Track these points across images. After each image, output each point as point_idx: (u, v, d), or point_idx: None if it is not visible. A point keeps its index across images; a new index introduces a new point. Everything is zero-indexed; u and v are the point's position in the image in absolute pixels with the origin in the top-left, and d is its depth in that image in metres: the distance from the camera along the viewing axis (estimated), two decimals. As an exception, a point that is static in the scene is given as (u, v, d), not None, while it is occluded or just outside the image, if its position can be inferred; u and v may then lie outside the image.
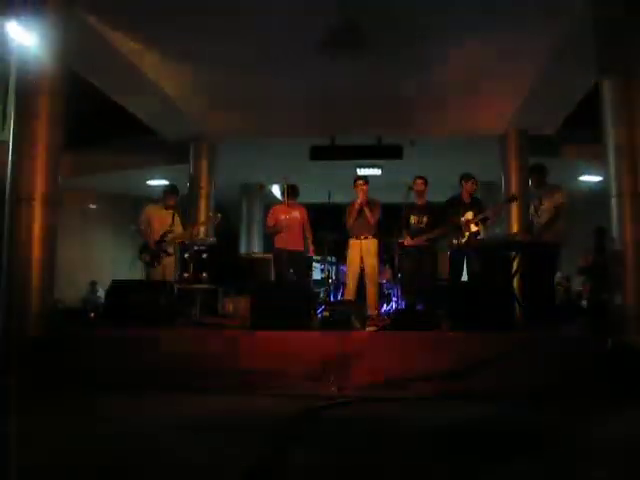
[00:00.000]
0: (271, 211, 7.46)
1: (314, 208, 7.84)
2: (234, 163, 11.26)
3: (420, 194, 6.89)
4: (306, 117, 9.25)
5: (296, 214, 7.27)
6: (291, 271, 7.18)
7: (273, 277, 7.45)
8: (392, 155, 10.07)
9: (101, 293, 11.88)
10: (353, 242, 6.90)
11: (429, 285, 6.72)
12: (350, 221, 6.86)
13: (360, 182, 6.93)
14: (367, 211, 6.78)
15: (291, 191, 7.26)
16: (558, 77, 7.50)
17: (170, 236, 6.76)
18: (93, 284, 12.25)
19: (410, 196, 6.89)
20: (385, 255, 8.77)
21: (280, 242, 7.21)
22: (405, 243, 6.68)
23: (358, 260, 6.85)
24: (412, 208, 6.88)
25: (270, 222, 7.34)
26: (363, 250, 6.83)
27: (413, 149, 9.97)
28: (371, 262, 6.86)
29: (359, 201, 6.81)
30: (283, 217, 7.23)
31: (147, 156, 11.22)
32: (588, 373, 4.62)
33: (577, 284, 10.13)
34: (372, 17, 6.33)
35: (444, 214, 6.79)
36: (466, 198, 6.85)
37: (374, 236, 6.88)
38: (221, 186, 11.15)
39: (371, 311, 6.60)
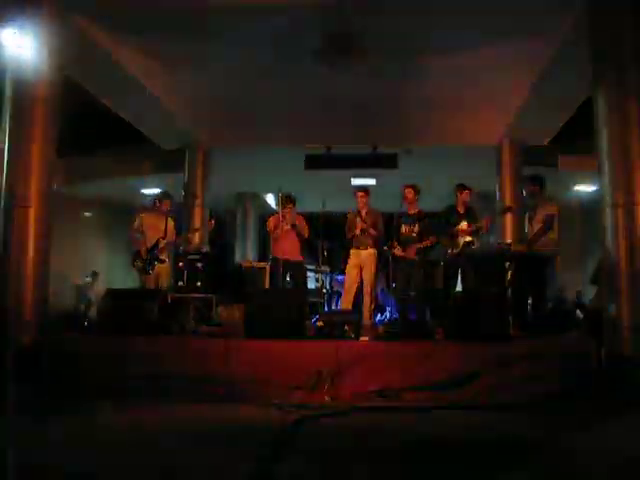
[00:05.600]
0: (270, 218, 7.42)
1: (308, 217, 7.80)
2: (229, 172, 11.25)
3: (410, 203, 6.86)
4: (302, 126, 9.26)
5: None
6: (288, 280, 7.14)
7: (268, 286, 7.39)
8: (387, 164, 10.05)
9: (100, 286, 11.69)
10: (353, 252, 6.91)
11: (422, 295, 6.70)
12: (353, 232, 6.85)
13: (360, 194, 6.93)
14: (369, 223, 6.77)
15: (287, 200, 7.22)
16: (553, 89, 7.54)
17: (162, 242, 6.75)
18: (94, 274, 12.08)
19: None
20: (379, 264, 8.77)
21: (277, 251, 7.17)
22: (396, 253, 6.65)
23: (357, 269, 6.85)
24: (403, 217, 6.87)
25: (270, 226, 7.30)
26: (362, 260, 6.83)
27: (408, 158, 9.97)
28: (369, 272, 6.84)
29: (363, 214, 6.79)
30: (279, 225, 7.18)
31: (142, 164, 11.22)
32: (584, 382, 4.63)
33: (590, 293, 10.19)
34: (369, 29, 6.36)
35: (436, 223, 6.77)
36: (461, 208, 6.85)
37: (373, 246, 6.87)
38: (216, 195, 11.14)
39: (365, 321, 6.58)
